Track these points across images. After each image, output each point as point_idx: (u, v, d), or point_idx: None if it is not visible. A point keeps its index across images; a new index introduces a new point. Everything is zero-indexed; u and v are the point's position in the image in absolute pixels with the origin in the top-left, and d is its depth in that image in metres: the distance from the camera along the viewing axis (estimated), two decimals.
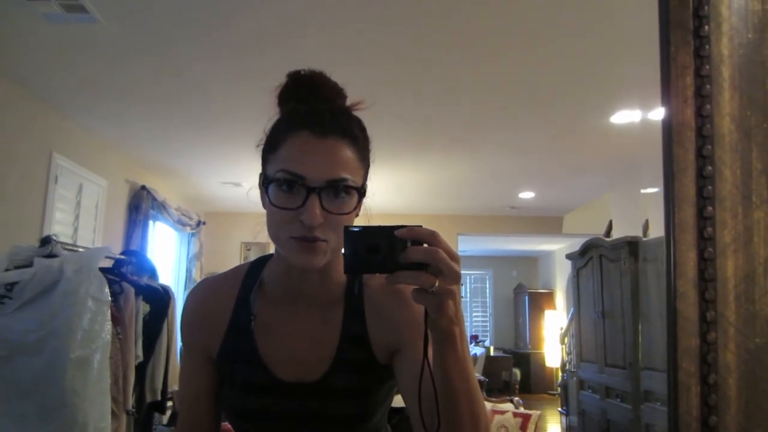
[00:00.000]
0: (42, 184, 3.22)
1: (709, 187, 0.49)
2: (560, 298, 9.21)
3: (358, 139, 0.85)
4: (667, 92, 0.50)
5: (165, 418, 3.21)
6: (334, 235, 0.80)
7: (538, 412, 3.91)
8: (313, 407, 0.87)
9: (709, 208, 0.48)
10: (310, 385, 0.87)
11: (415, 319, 0.82)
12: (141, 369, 2.67)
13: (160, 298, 2.79)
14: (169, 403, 3.04)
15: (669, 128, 0.50)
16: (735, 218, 0.48)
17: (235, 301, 0.94)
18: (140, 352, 2.63)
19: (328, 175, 0.79)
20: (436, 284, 0.62)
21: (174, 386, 2.90)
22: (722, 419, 0.46)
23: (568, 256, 5.16)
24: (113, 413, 2.35)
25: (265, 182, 0.81)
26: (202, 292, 1.00)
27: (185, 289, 4.37)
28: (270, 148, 0.84)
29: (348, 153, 0.82)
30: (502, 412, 3.91)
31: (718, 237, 0.48)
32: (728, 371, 0.47)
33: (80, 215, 3.56)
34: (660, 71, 0.51)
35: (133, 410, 2.59)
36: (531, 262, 10.69)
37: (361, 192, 0.83)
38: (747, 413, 0.46)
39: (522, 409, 4.01)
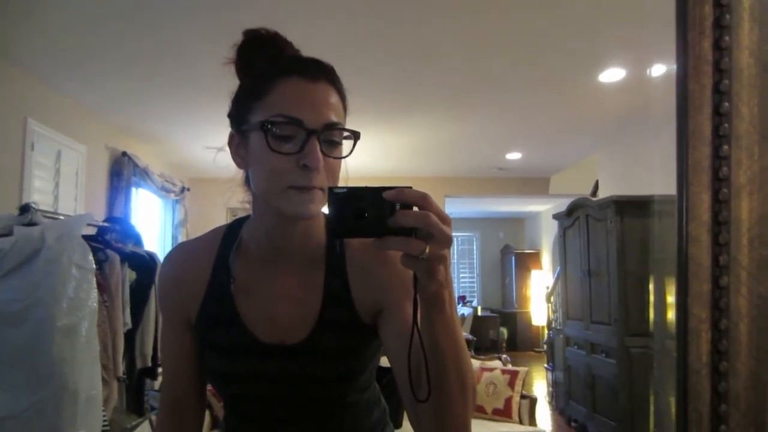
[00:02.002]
0: (18, 152, 3.12)
1: (726, 125, 0.47)
2: (546, 258, 9.33)
3: (340, 86, 0.83)
4: (683, 23, 0.47)
5: (157, 384, 3.22)
6: (330, 183, 0.78)
7: (526, 368, 3.99)
8: (298, 369, 0.86)
9: (725, 147, 0.46)
10: (294, 347, 0.86)
11: (399, 279, 0.81)
12: (130, 336, 2.66)
13: (146, 265, 2.75)
14: (160, 369, 3.05)
15: (684, 62, 0.47)
16: (751, 158, 0.46)
17: (213, 264, 0.92)
18: (128, 319, 2.61)
19: (325, 119, 0.77)
20: (427, 251, 0.59)
21: None
22: (733, 365, 0.45)
23: (555, 217, 5.19)
24: (104, 380, 2.34)
25: (262, 127, 0.77)
26: (179, 257, 0.97)
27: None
28: (254, 96, 0.80)
29: (336, 98, 0.81)
30: (491, 369, 3.98)
31: (734, 178, 0.46)
32: (739, 316, 0.46)
33: (60, 183, 3.48)
34: (675, 1, 0.48)
35: (124, 377, 2.59)
36: (518, 223, 10.77)
37: (357, 135, 0.81)
38: (758, 358, 0.45)
39: (510, 366, 4.09)
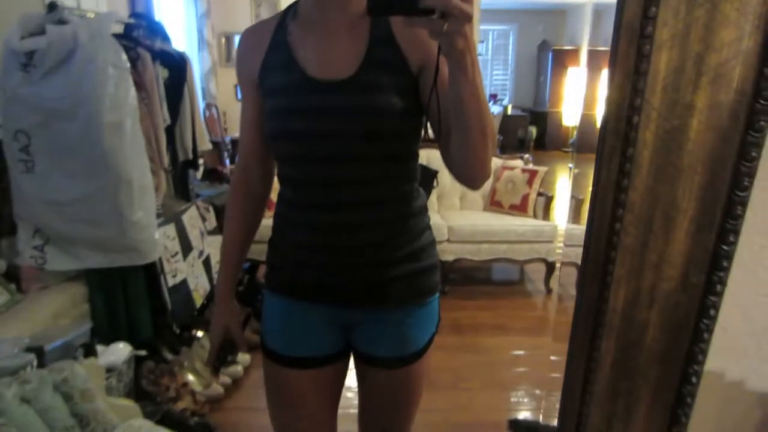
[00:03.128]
0: None
1: None
2: (585, 55, 8.97)
3: None
4: None
5: (199, 174, 3.57)
6: None
7: (546, 168, 4.20)
8: (349, 102, 1.00)
9: (653, 9, 0.53)
10: (344, 81, 1.00)
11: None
12: (170, 132, 2.89)
13: (176, 63, 2.86)
14: (200, 161, 3.35)
15: None
16: (677, 17, 0.54)
17: (275, 28, 1.09)
18: (167, 116, 2.82)
19: None
20: (445, 27, 0.72)
21: (202, 146, 3.16)
22: (632, 182, 0.59)
23: (597, 7, 4.90)
24: (152, 171, 2.64)
25: None
26: (249, 31, 1.15)
27: (199, 50, 4.37)
28: None
29: None
30: (511, 168, 4.21)
31: (657, 35, 0.54)
32: (645, 146, 0.59)
33: None
34: None
35: (170, 168, 2.89)
36: (559, 16, 10.12)
37: None
38: (655, 177, 0.60)
39: (531, 166, 4.30)
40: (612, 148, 0.59)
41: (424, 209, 1.16)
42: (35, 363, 1.93)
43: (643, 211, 0.59)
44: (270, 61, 1.07)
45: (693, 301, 0.61)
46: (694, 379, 0.65)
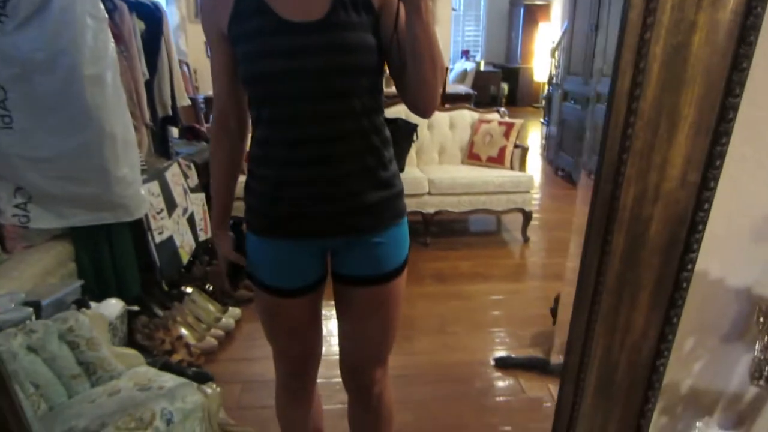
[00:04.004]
0: None
1: None
2: (557, 9, 9.06)
3: None
4: None
5: (176, 132, 3.56)
6: None
7: (521, 121, 4.34)
8: (322, 40, 1.08)
9: None
10: (317, 22, 1.08)
11: None
12: (148, 86, 2.89)
13: (152, 15, 2.85)
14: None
15: None
16: None
17: None
18: (145, 69, 2.81)
19: None
20: None
21: (181, 101, 3.16)
22: (644, 91, 0.71)
23: None
24: (134, 127, 2.64)
25: None
26: None
27: (167, 4, 4.29)
28: None
29: None
30: (488, 121, 4.33)
31: None
32: (654, 59, 0.70)
33: None
34: None
35: (151, 123, 2.89)
36: None
37: None
38: (662, 87, 0.71)
39: (507, 119, 4.43)
40: (627, 61, 0.69)
41: (391, 140, 1.25)
42: (33, 318, 1.97)
43: (651, 117, 0.71)
44: (241, 8, 1.11)
45: (690, 196, 0.73)
46: (689, 266, 0.78)
